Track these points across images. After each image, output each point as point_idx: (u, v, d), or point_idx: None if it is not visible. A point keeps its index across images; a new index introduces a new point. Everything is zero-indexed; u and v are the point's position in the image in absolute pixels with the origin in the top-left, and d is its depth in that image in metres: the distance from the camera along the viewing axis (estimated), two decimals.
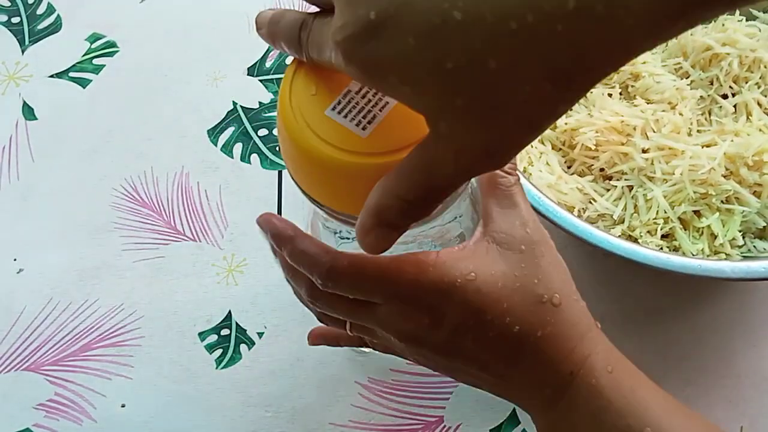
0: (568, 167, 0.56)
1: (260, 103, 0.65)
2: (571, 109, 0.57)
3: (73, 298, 0.58)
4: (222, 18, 0.70)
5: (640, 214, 0.51)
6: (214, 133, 0.64)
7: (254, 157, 0.63)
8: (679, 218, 0.52)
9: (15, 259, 0.59)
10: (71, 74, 0.68)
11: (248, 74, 0.67)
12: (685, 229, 0.52)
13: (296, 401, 0.53)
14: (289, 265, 0.37)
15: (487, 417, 0.52)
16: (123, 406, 0.54)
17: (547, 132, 0.56)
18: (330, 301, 0.36)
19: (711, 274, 0.45)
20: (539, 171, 0.53)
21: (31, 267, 0.59)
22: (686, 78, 0.57)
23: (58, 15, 0.71)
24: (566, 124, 0.55)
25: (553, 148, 0.56)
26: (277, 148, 0.63)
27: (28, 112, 0.66)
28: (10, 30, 0.70)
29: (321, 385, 0.53)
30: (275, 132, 0.64)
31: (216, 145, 0.64)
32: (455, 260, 0.34)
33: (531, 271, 0.34)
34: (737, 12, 0.59)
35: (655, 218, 0.51)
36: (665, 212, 0.51)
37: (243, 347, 0.55)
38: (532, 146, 0.55)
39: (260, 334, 0.55)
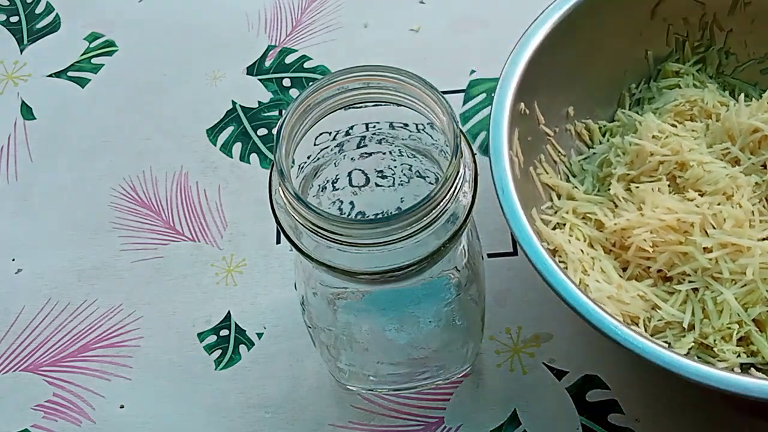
0: (623, 270, 0.50)
1: (260, 102, 0.65)
2: (617, 207, 0.51)
3: (72, 298, 0.57)
4: (221, 17, 0.70)
5: (711, 320, 0.46)
6: (213, 132, 0.64)
7: (254, 156, 0.63)
8: (754, 320, 0.47)
9: (13, 260, 0.59)
10: (70, 73, 0.68)
11: (248, 73, 0.67)
12: (761, 332, 0.47)
13: (296, 402, 0.53)
14: None
15: (488, 418, 0.52)
16: (122, 407, 0.53)
17: (595, 233, 0.51)
18: None
19: None
20: (596, 281, 0.48)
21: (29, 267, 0.59)
22: (737, 164, 0.51)
23: (57, 14, 0.71)
24: (615, 224, 0.49)
25: (603, 251, 0.50)
26: None
27: (27, 111, 0.66)
28: (8, 29, 0.70)
29: (321, 385, 0.53)
30: (274, 131, 0.64)
31: (215, 145, 0.63)
32: None
33: None
34: None
35: (728, 323, 0.46)
36: (738, 315, 0.46)
37: (242, 348, 0.55)
38: (582, 251, 0.49)
39: (260, 335, 0.55)
